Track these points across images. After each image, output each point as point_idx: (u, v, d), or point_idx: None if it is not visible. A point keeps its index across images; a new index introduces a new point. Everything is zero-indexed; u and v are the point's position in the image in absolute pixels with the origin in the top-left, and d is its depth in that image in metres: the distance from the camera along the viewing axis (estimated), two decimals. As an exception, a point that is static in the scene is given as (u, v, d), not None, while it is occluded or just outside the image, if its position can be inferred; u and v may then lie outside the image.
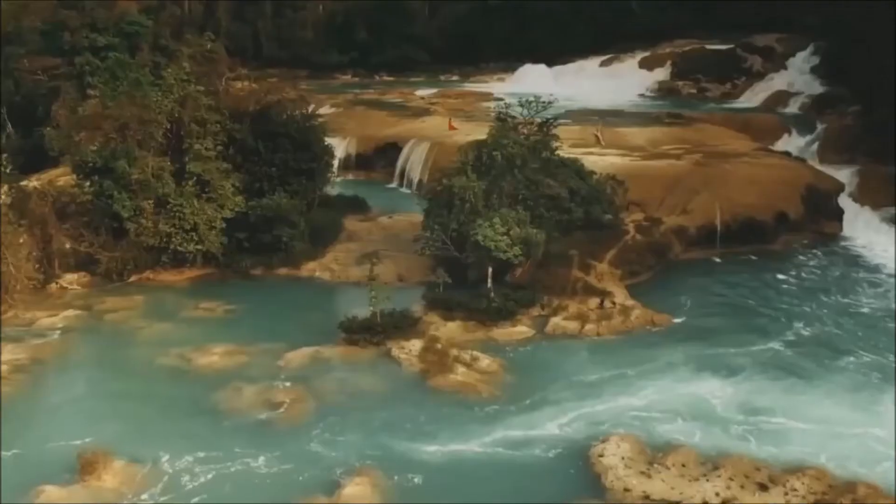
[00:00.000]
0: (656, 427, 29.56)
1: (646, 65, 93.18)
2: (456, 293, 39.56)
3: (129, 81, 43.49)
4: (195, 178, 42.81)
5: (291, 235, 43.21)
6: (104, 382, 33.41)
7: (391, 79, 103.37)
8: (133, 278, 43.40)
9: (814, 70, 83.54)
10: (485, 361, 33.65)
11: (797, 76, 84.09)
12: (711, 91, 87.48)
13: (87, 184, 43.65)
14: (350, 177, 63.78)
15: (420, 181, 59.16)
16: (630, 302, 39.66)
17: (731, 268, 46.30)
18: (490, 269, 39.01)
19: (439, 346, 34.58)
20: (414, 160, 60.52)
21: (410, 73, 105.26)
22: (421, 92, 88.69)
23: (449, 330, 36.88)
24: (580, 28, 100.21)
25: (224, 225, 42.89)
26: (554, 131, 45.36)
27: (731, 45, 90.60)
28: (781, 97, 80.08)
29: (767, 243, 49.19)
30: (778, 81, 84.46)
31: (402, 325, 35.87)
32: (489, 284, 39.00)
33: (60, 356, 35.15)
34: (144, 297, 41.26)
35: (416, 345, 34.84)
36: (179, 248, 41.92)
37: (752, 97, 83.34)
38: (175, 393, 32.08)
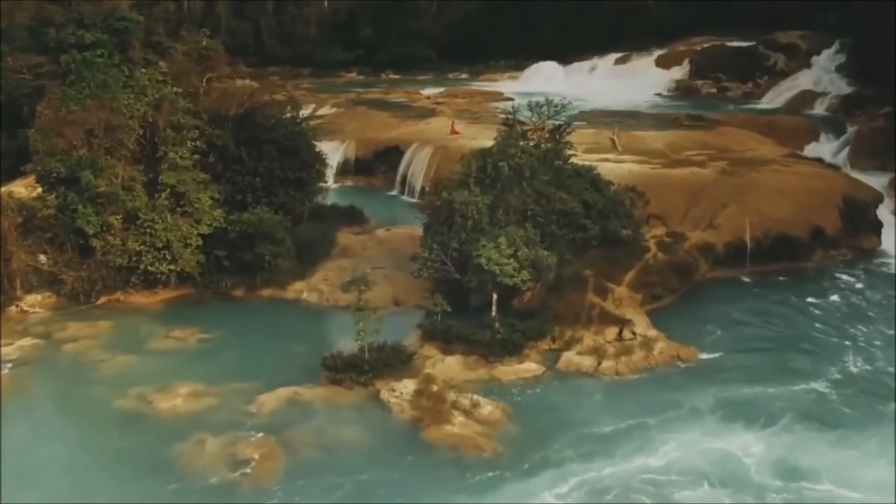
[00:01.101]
0: (675, 495, 24.75)
1: (662, 63, 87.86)
2: (456, 321, 34.73)
3: (97, 82, 38.72)
4: (169, 189, 38.06)
5: (275, 254, 38.48)
6: (50, 430, 28.78)
7: (397, 77, 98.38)
8: (102, 300, 38.77)
9: (839, 69, 78.31)
10: (487, 408, 28.86)
11: (823, 75, 78.76)
12: (732, 91, 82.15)
13: (53, 196, 38.99)
14: (349, 183, 59.04)
15: (422, 189, 54.34)
16: (652, 332, 34.73)
17: (762, 289, 41.33)
18: (495, 296, 34.11)
19: (435, 387, 29.81)
20: (416, 166, 55.68)
21: (417, 71, 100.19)
22: (427, 91, 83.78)
23: (447, 367, 32.06)
24: (593, 24, 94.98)
25: (201, 242, 38.12)
26: (567, 137, 40.46)
27: (753, 43, 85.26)
28: (807, 97, 74.79)
29: (800, 260, 44.22)
30: (802, 80, 79.09)
31: (393, 362, 31.11)
32: (493, 313, 34.18)
33: (6, 396, 30.45)
34: (111, 323, 36.63)
35: (408, 386, 30.08)
36: (150, 269, 37.18)
37: (776, 97, 77.99)
38: (129, 445, 27.49)
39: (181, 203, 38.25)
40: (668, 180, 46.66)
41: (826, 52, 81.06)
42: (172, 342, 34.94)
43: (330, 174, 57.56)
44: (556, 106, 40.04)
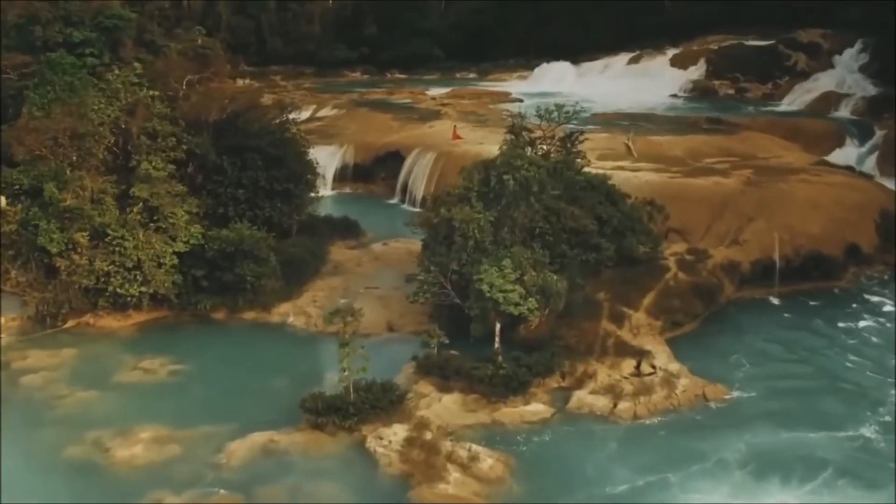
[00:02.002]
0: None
1: (678, 62, 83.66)
2: (456, 352, 30.93)
3: (62, 86, 34.98)
4: (141, 203, 34.31)
5: (258, 274, 34.68)
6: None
7: (403, 76, 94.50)
8: (70, 323, 35.08)
9: (863, 68, 74.08)
10: (487, 461, 24.94)
11: (846, 75, 74.45)
12: (751, 92, 77.90)
13: (18, 208, 35.34)
14: (347, 190, 55.32)
15: (423, 198, 50.49)
16: (674, 366, 30.75)
17: (794, 313, 37.27)
18: (498, 325, 30.19)
19: (429, 435, 25.95)
20: (417, 173, 51.83)
21: (423, 70, 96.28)
22: (433, 91, 79.84)
23: (444, 408, 28.17)
24: (605, 22, 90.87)
25: (176, 261, 34.36)
26: (579, 146, 36.51)
27: (772, 42, 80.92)
28: (830, 99, 70.47)
29: (832, 279, 40.12)
30: (825, 81, 74.77)
31: (382, 404, 27.26)
32: (496, 345, 30.25)
33: (-52, 440, 26.74)
34: (76, 351, 32.93)
35: (398, 433, 26.21)
36: (120, 291, 33.41)
37: (797, 99, 73.73)
38: (74, 505, 23.65)
39: (155, 218, 34.46)
40: (689, 191, 42.61)
41: (849, 52, 76.80)
42: (140, 374, 31.18)
43: (327, 181, 54.35)
44: (567, 112, 36.06)
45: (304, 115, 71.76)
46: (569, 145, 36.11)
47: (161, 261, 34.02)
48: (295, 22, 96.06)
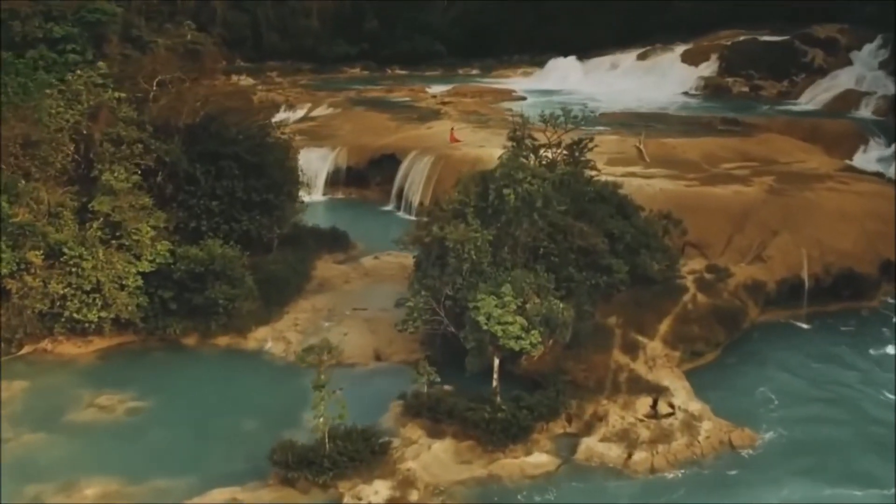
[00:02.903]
0: None
1: (689, 59, 79.54)
2: (449, 389, 27.27)
3: (15, 88, 31.21)
4: (102, 218, 30.55)
5: (231, 296, 30.93)
6: None
7: (403, 73, 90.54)
8: (26, 349, 31.36)
9: (883, 65, 70.00)
10: (482, 530, 21.10)
11: (865, 72, 70.42)
12: (766, 89, 73.80)
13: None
14: (339, 195, 51.47)
15: (420, 204, 46.65)
16: (695, 406, 26.94)
17: (823, 339, 33.49)
18: (496, 361, 26.37)
19: (415, 495, 22.16)
20: (414, 178, 47.96)
21: (425, 66, 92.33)
22: (433, 89, 75.90)
23: (434, 458, 24.39)
24: (613, 17, 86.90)
25: (141, 282, 30.61)
26: (588, 154, 32.63)
27: (787, 37, 76.80)
28: (850, 98, 66.41)
29: (864, 299, 36.28)
30: (844, 79, 70.76)
31: (362, 456, 23.49)
32: (494, 382, 26.44)
33: None
34: (28, 384, 29.22)
35: (380, 491, 22.53)
36: (77, 316, 29.67)
37: (814, 97, 69.68)
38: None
39: (117, 234, 30.71)
40: (707, 201, 38.68)
41: (868, 48, 72.86)
42: (95, 413, 27.47)
43: (318, 186, 50.69)
44: (574, 116, 32.17)
45: (299, 113, 68.19)
46: (577, 153, 32.21)
47: (123, 282, 30.29)
48: (293, 16, 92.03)
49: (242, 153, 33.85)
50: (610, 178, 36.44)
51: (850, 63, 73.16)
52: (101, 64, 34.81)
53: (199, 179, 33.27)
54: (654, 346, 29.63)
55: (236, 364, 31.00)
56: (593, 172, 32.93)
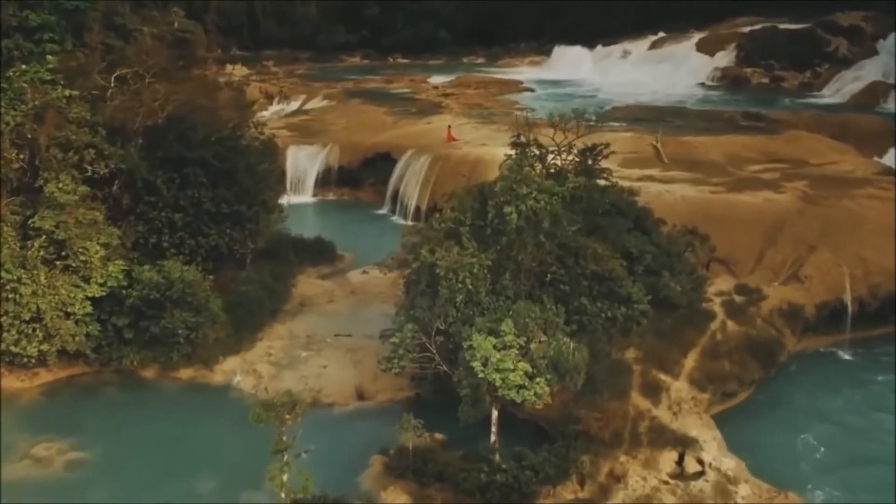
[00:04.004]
0: None
1: (704, 47, 74.97)
2: (440, 439, 23.13)
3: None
4: (46, 236, 26.26)
5: (193, 325, 26.63)
6: None
7: (405, 62, 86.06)
8: (-37, 383, 27.10)
9: (911, 55, 65.35)
10: None
11: (893, 63, 65.52)
12: (787, 80, 69.20)
13: None
14: (330, 196, 47.21)
15: (417, 208, 42.39)
16: (729, 462, 22.61)
17: (871, 371, 29.11)
18: (495, 413, 22.07)
19: (393, 590, 17.89)
20: (410, 179, 43.61)
21: (428, 55, 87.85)
22: (435, 79, 71.46)
23: (419, 534, 20.07)
24: (624, 2, 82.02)
25: (90, 308, 26.36)
26: (603, 161, 28.20)
27: (809, 25, 71.99)
28: (878, 90, 61.96)
29: (911, 322, 31.61)
30: (870, 69, 66.20)
31: (332, 535, 19.20)
32: (493, 436, 22.15)
33: None
34: (-43, 427, 24.97)
35: (352, 582, 18.16)
36: (14, 349, 25.47)
37: (839, 89, 65.17)
38: None
39: (63, 254, 26.40)
40: (735, 211, 34.18)
41: (894, 36, 67.84)
42: (29, 467, 23.26)
43: (307, 187, 46.46)
44: (588, 119, 27.72)
45: (293, 105, 63.98)
46: (590, 161, 27.73)
47: (69, 309, 26.01)
48: (290, 3, 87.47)
49: (210, 158, 29.50)
50: (625, 184, 32.21)
51: (875, 53, 68.59)
52: (49, 58, 30.23)
53: (160, 189, 28.93)
54: (679, 388, 25.27)
55: (199, 402, 26.76)
56: (608, 182, 28.38)
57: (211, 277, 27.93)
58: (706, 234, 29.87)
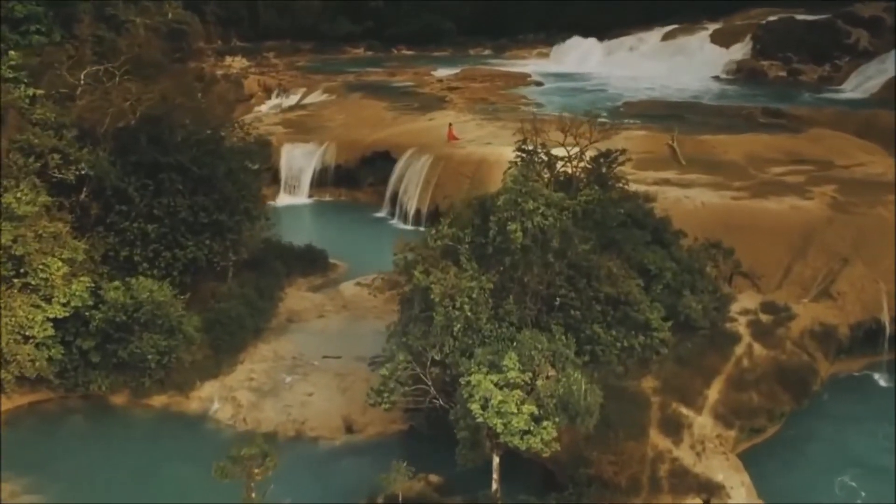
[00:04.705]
0: None
1: (719, 39, 71.69)
2: (436, 482, 20.42)
3: None
4: (2, 251, 23.53)
5: (165, 349, 23.93)
6: None
7: (410, 53, 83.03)
8: (-81, 408, 24.53)
9: (936, 47, 61.97)
10: None
11: (916, 56, 62.15)
12: (805, 74, 65.82)
13: None
14: (327, 197, 44.43)
15: (418, 211, 39.58)
16: (760, 513, 19.77)
17: (911, 399, 26.02)
18: (496, 459, 19.29)
19: None
20: (410, 180, 40.79)
21: (434, 46, 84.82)
22: (440, 72, 68.47)
23: None
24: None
25: (51, 331, 23.64)
26: (619, 168, 25.30)
27: (828, 16, 68.54)
28: (902, 84, 58.20)
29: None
30: (893, 63, 62.40)
31: None
32: (494, 485, 19.39)
33: None
34: None
35: None
36: (-35, 376, 22.88)
37: (861, 83, 61.77)
38: None
39: (22, 271, 23.68)
40: (760, 219, 31.22)
41: (917, 28, 64.57)
42: (-22, 510, 20.65)
43: (303, 187, 43.68)
44: (603, 124, 24.80)
45: (293, 99, 61.19)
46: (604, 169, 24.83)
47: (27, 333, 23.29)
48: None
49: (188, 163, 26.69)
50: (640, 188, 29.41)
51: (898, 45, 64.88)
52: (12, 54, 27.46)
53: (132, 197, 26.16)
54: (703, 424, 22.46)
55: (171, 434, 24.10)
56: (624, 190, 25.49)
57: (186, 296, 25.14)
58: (731, 248, 26.99)
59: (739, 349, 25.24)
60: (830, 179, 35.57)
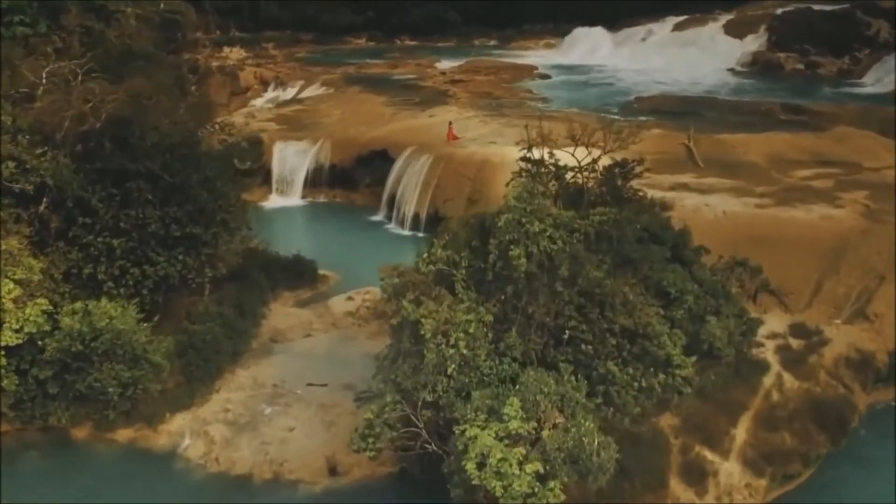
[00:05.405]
0: None
1: (733, 30, 68.44)
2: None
3: None
4: (-54, 270, 20.94)
5: (129, 380, 21.28)
6: None
7: (413, 44, 79.97)
8: None
9: (960, 39, 58.85)
10: None
11: (940, 48, 59.01)
12: (824, 67, 62.56)
13: None
14: (321, 198, 41.60)
15: (416, 215, 36.81)
16: (799, 583, 17.01)
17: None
18: (495, 521, 16.59)
19: None
20: (409, 181, 37.96)
21: (438, 36, 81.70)
22: (443, 64, 65.47)
23: None
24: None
25: (3, 359, 20.98)
26: (634, 179, 22.47)
27: (846, 6, 65.24)
28: (926, 78, 55.09)
29: None
30: (914, 55, 59.28)
31: None
32: (493, 550, 16.67)
33: None
34: None
35: None
36: None
37: (882, 77, 58.42)
38: None
39: (-31, 293, 21.05)
40: (787, 230, 28.31)
41: (940, 18, 61.32)
42: None
43: (296, 187, 40.95)
44: (620, 132, 21.90)
45: (290, 92, 58.35)
46: (619, 181, 21.97)
47: (-28, 362, 20.69)
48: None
49: (159, 170, 23.91)
50: (656, 194, 26.72)
51: (920, 36, 61.75)
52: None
53: (96, 208, 23.43)
54: (730, 471, 19.72)
55: (136, 474, 21.43)
56: (643, 202, 22.67)
57: (155, 319, 22.47)
58: (758, 266, 24.16)
59: (768, 380, 22.48)
60: (861, 184, 32.61)
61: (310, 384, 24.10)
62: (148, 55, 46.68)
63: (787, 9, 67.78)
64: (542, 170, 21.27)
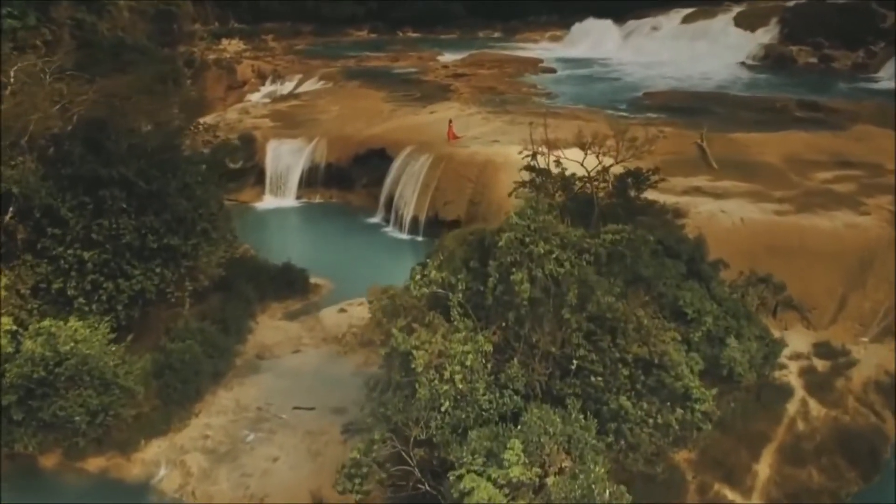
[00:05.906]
0: None
1: (743, 22, 66.12)
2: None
3: None
4: None
5: (98, 407, 19.42)
6: None
7: (416, 36, 77.82)
8: None
9: (978, 31, 56.51)
10: None
11: (958, 41, 56.70)
12: (838, 60, 60.29)
13: None
14: (317, 199, 39.61)
15: (415, 218, 34.86)
16: None
17: None
18: (494, 580, 14.69)
19: None
20: (407, 182, 35.96)
21: (442, 28, 79.53)
22: (446, 57, 63.38)
23: None
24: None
25: (-40, 385, 19.19)
26: (647, 190, 20.49)
27: (861, -3, 62.91)
28: (944, 72, 52.90)
29: None
30: (933, 48, 57.07)
31: None
32: None
33: None
34: None
35: None
36: None
37: (899, 70, 56.10)
38: None
39: (-76, 313, 19.21)
40: (808, 240, 26.23)
41: (959, 11, 59.01)
42: None
43: (290, 188, 39.03)
44: (634, 140, 19.89)
45: (288, 86, 56.31)
46: (632, 191, 19.98)
47: (-73, 389, 18.85)
48: (292, -28, 79.07)
49: (134, 177, 21.96)
50: (669, 199, 24.82)
51: (938, 28, 59.41)
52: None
53: (66, 218, 21.52)
54: (754, 513, 17.80)
55: (106, 506, 19.64)
56: (661, 213, 20.69)
57: (129, 338, 20.62)
58: (781, 283, 22.19)
59: (792, 407, 20.61)
60: (886, 188, 30.49)
61: (296, 407, 22.22)
62: (141, 48, 44.85)
63: (798, 0, 65.47)
64: (548, 180, 19.33)
